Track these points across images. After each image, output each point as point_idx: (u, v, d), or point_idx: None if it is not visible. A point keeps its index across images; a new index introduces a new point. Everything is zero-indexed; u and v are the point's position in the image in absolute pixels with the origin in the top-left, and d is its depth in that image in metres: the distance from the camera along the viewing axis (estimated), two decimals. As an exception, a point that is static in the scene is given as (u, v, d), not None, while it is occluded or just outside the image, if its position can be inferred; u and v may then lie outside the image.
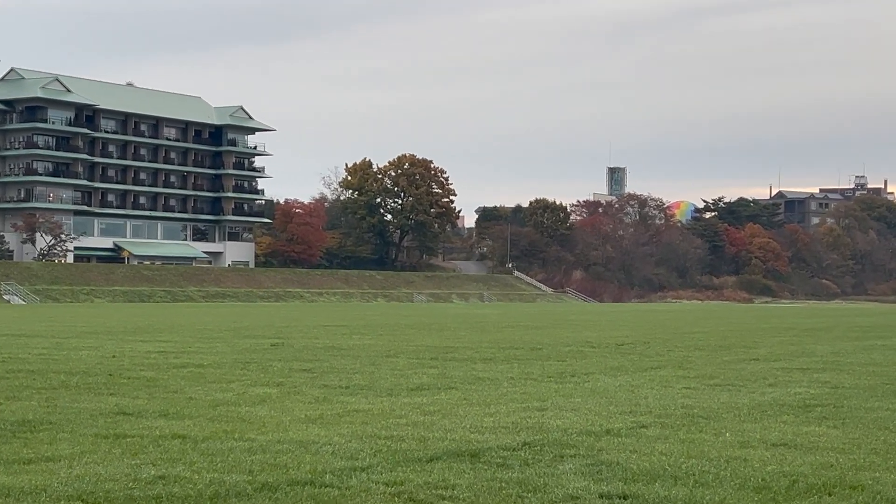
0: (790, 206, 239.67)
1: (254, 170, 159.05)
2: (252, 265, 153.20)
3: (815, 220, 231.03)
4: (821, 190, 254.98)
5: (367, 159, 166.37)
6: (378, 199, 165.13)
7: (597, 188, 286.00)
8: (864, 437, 12.75)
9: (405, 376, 20.48)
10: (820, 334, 42.45)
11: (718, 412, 15.03)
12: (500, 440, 12.20)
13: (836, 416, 14.82)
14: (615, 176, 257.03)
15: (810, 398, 17.06)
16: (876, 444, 12.30)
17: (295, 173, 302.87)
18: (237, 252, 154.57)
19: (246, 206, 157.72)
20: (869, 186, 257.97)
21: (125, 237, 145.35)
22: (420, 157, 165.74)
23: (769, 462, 11.06)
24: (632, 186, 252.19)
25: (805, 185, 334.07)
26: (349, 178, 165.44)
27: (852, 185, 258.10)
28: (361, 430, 12.93)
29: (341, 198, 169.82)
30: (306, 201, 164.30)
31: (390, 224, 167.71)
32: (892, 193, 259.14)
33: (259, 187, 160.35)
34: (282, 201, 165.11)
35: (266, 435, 12.43)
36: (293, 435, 12.43)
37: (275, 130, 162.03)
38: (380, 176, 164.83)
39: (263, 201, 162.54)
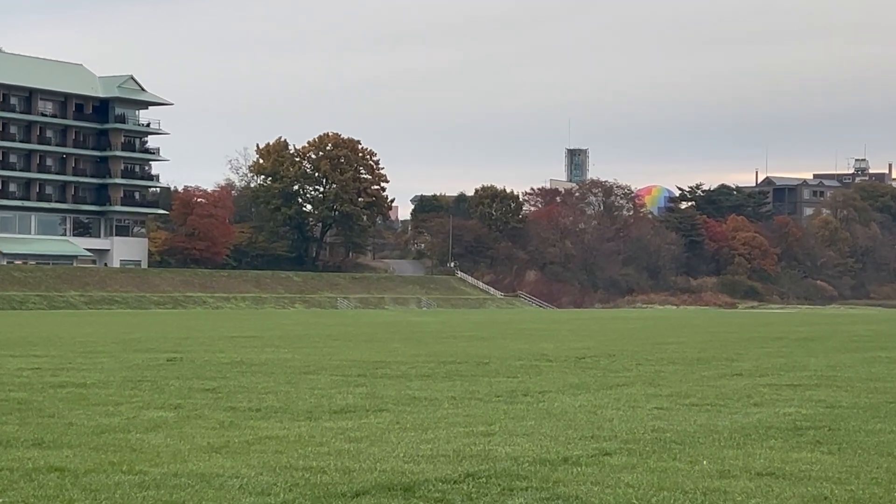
0: (779, 195, 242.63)
1: (147, 151, 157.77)
2: (145, 265, 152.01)
3: (809, 211, 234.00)
4: (815, 176, 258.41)
5: (282, 139, 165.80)
6: (296, 187, 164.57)
7: (554, 174, 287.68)
8: (864, 465, 12.92)
9: (327, 396, 20.42)
10: (813, 345, 42.93)
11: (695, 437, 15.16)
12: (438, 471, 12.20)
13: (831, 440, 15.00)
14: (575, 159, 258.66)
15: (802, 419, 17.26)
16: (878, 472, 12.48)
17: (196, 156, 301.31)
18: (127, 250, 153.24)
19: (137, 195, 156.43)
20: (871, 171, 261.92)
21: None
22: (345, 137, 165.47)
23: (753, 494, 11.16)
24: (595, 172, 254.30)
25: (797, 171, 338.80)
26: (261, 161, 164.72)
27: (851, 170, 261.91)
28: (275, 460, 12.88)
29: (252, 185, 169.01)
30: (210, 189, 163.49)
31: (310, 216, 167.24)
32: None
33: (153, 172, 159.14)
34: (181, 189, 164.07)
35: (160, 467, 12.35)
36: (193, 467, 12.36)
37: (172, 105, 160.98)
38: (297, 159, 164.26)
39: (158, 189, 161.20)
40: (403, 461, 12.88)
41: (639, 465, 12.76)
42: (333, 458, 13.08)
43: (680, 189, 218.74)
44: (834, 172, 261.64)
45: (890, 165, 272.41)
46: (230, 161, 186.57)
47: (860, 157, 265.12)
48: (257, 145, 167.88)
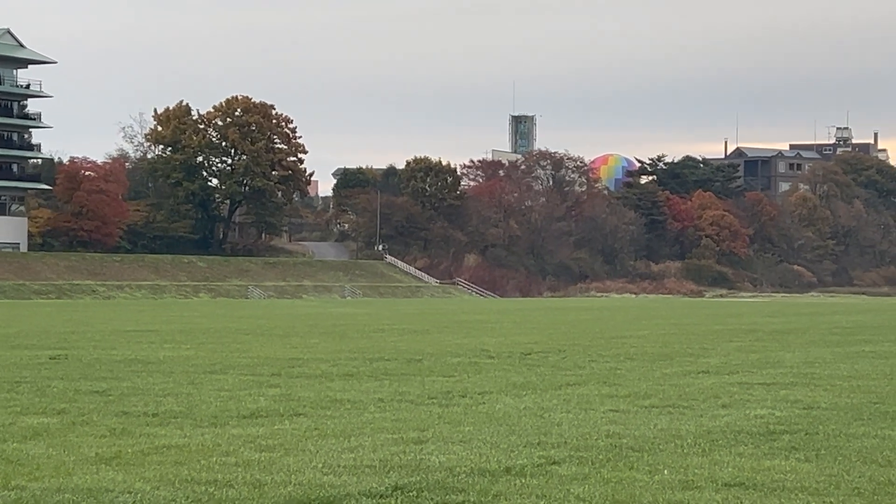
0: (752, 168, 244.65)
1: (26, 117, 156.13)
2: (24, 248, 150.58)
3: (785, 187, 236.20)
4: (791, 147, 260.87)
5: (183, 104, 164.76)
6: (199, 158, 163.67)
7: (496, 143, 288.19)
8: (845, 474, 13.05)
9: (236, 399, 20.38)
10: (789, 338, 43.35)
11: (655, 443, 15.25)
12: (363, 484, 12.21)
13: (808, 445, 15.15)
14: (521, 128, 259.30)
15: (775, 423, 17.42)
16: (859, 482, 12.62)
17: (84, 122, 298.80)
18: (3, 230, 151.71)
19: (15, 168, 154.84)
20: (854, 142, 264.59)
21: None
22: (257, 102, 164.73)
23: (720, 508, 11.26)
24: (543, 141, 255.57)
25: (771, 140, 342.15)
26: (159, 128, 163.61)
27: (832, 141, 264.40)
28: (174, 472, 12.82)
29: (148, 156, 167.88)
30: (100, 161, 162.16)
31: (217, 192, 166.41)
32: (884, 151, 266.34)
33: (33, 141, 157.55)
34: (66, 161, 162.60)
35: (40, 482, 12.26)
36: (79, 481, 12.28)
37: (55, 63, 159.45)
38: (202, 126, 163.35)
39: (40, 160, 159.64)
40: (322, 473, 12.86)
41: (591, 475, 12.82)
42: (242, 469, 13.03)
43: (640, 161, 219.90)
44: (813, 143, 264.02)
45: (875, 135, 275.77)
46: (123, 129, 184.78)
47: (842, 126, 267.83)
48: (155, 110, 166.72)
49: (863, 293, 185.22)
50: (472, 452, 14.29)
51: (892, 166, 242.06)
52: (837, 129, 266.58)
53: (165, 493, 11.64)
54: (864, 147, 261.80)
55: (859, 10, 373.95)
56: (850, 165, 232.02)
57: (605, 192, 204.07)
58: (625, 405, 19.69)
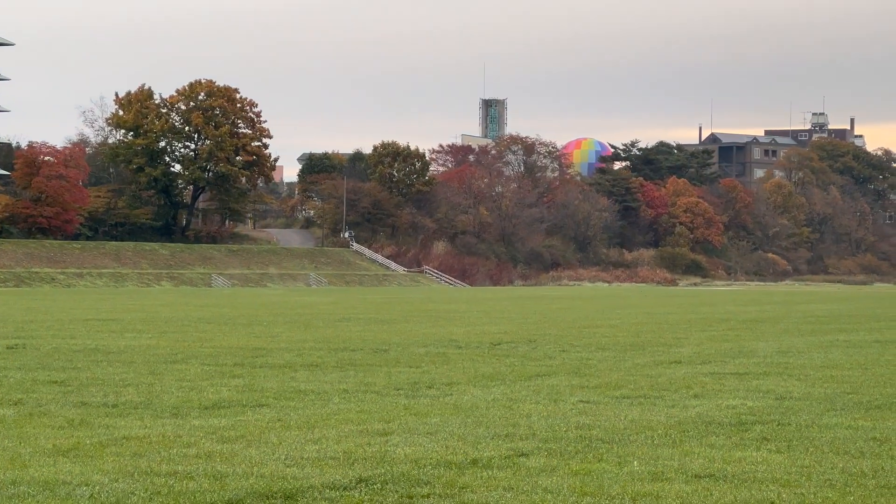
0: (726, 154, 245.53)
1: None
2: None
3: (760, 173, 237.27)
4: (766, 132, 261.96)
5: (145, 87, 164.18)
6: (162, 143, 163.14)
7: (466, 128, 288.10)
8: (817, 465, 13.15)
9: (197, 389, 20.38)
10: (763, 327, 43.55)
11: (625, 434, 15.31)
12: (326, 476, 12.22)
13: (780, 436, 15.24)
14: (491, 112, 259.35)
15: (747, 413, 17.51)
16: (832, 473, 12.70)
17: (43, 106, 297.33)
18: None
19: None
20: (830, 128, 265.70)
21: None
22: (221, 85, 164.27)
23: (689, 499, 11.31)
24: (514, 126, 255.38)
25: (746, 126, 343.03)
26: (120, 113, 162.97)
27: (808, 126, 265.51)
28: (133, 464, 12.82)
29: (110, 141, 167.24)
30: (60, 146, 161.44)
31: (180, 178, 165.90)
32: (860, 136, 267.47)
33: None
34: (24, 146, 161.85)
35: (-4, 474, 12.24)
36: (35, 473, 12.26)
37: (13, 45, 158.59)
38: (164, 111, 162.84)
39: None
40: (285, 465, 12.87)
41: (559, 467, 12.86)
42: (203, 461, 13.03)
43: (613, 147, 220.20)
44: (788, 129, 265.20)
45: (852, 120, 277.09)
46: (84, 113, 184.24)
47: (818, 112, 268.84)
48: (116, 94, 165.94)
49: (838, 281, 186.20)
50: (438, 444, 14.32)
51: (868, 152, 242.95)
52: (813, 114, 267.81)
53: (124, 486, 11.63)
54: (841, 133, 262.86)
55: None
56: (825, 151, 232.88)
57: (578, 178, 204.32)
58: (595, 396, 19.76)
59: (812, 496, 11.51)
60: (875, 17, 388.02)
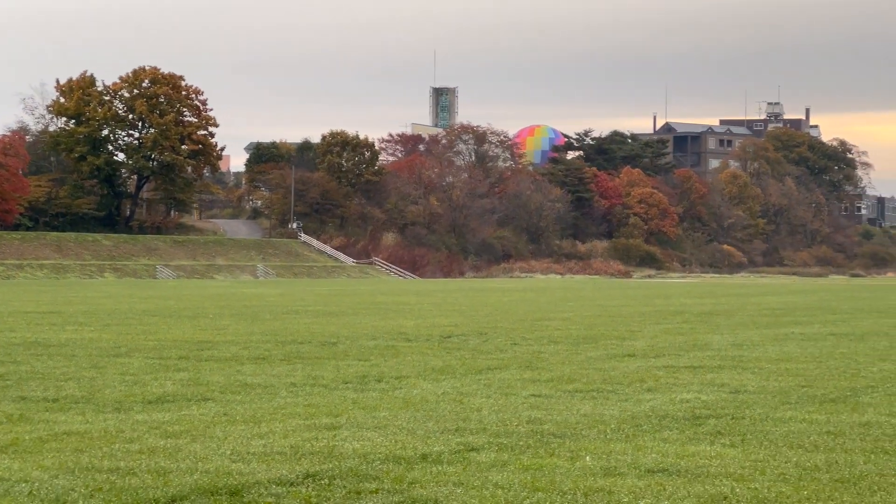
0: (681, 144, 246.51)
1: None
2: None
3: (715, 163, 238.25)
4: (721, 122, 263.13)
5: (88, 74, 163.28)
6: (105, 132, 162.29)
7: (416, 117, 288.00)
8: (771, 459, 13.23)
9: (140, 383, 20.32)
10: (718, 320, 43.79)
11: (577, 428, 15.36)
12: (272, 471, 12.20)
13: (734, 430, 15.33)
14: (442, 100, 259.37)
15: (701, 407, 17.61)
16: (786, 467, 12.78)
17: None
18: None
19: None
20: (785, 117, 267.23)
21: None
22: (165, 73, 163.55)
23: (642, 494, 11.36)
24: (465, 115, 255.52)
25: (701, 116, 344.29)
26: (62, 100, 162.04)
27: (763, 116, 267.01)
28: (74, 460, 12.76)
29: (50, 129, 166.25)
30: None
31: (123, 167, 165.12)
32: (816, 127, 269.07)
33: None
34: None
35: (-67, 471, 12.16)
36: (-27, 470, 12.19)
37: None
38: (107, 98, 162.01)
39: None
40: (231, 460, 12.85)
41: (510, 462, 12.89)
42: (146, 456, 13.00)
43: (565, 136, 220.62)
44: (743, 118, 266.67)
45: (807, 110, 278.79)
46: (24, 100, 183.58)
47: (773, 101, 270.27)
48: (57, 81, 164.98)
49: (794, 273, 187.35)
50: (387, 439, 14.33)
51: (823, 143, 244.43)
52: (768, 104, 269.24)
53: (64, 482, 11.58)
54: (796, 123, 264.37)
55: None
56: (781, 142, 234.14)
57: (531, 167, 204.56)
58: (547, 390, 19.81)
59: (766, 491, 11.57)
60: (831, 7, 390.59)
